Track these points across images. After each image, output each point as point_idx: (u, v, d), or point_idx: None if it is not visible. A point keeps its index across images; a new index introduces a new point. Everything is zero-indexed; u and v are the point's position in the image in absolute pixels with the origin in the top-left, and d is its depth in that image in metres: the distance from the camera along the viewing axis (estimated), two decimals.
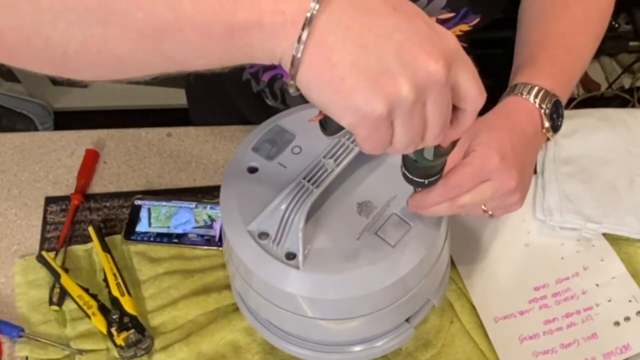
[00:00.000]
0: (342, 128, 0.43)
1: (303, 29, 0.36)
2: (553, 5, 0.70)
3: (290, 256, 0.54)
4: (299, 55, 0.37)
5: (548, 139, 0.64)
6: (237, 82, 0.88)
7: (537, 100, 0.62)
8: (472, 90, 0.41)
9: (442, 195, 0.55)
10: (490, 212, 0.60)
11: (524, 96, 0.62)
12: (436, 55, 0.38)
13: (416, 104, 0.39)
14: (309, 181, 0.55)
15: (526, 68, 0.66)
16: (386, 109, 0.38)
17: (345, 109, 0.38)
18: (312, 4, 0.36)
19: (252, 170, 0.59)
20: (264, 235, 0.55)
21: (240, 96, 0.93)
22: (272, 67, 0.82)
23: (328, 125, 0.44)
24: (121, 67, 0.41)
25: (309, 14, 0.36)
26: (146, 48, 0.38)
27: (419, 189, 0.55)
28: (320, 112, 0.43)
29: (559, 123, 0.64)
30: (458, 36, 0.77)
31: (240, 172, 0.59)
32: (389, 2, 0.38)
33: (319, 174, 0.56)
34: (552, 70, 0.65)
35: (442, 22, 0.74)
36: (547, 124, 0.62)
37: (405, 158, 0.52)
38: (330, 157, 0.56)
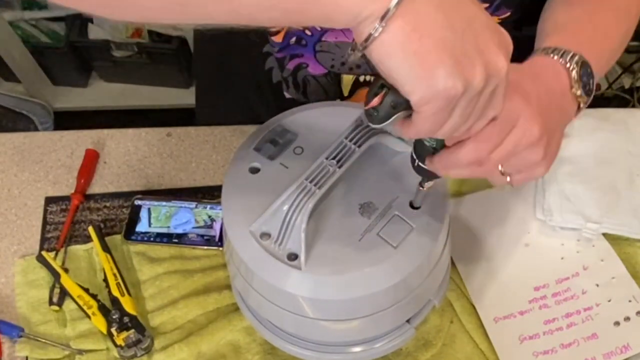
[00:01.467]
0: (391, 115, 0.43)
1: None
2: None
3: (292, 257, 0.54)
4: (386, 22, 0.37)
5: (579, 105, 0.61)
6: (257, 73, 0.88)
7: (565, 61, 0.60)
8: (501, 97, 0.44)
9: (471, 152, 0.50)
10: (509, 176, 0.54)
11: (551, 56, 0.60)
12: (503, 51, 0.41)
13: (481, 92, 0.41)
14: (311, 182, 0.55)
15: (552, 36, 0.64)
16: (462, 89, 0.39)
17: (423, 82, 0.39)
18: None
19: (254, 170, 0.59)
20: (265, 235, 0.55)
21: (256, 89, 0.92)
22: (300, 54, 0.82)
23: (379, 112, 0.43)
24: (183, 9, 0.39)
25: None
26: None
27: (428, 181, 0.55)
28: (371, 100, 0.43)
29: (590, 87, 0.61)
30: None
31: (242, 172, 0.59)
32: None
33: (321, 175, 0.56)
34: (579, 39, 0.63)
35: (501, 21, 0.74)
36: (575, 85, 0.59)
37: (421, 148, 0.52)
38: (333, 158, 0.56)
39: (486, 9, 0.72)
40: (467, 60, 0.39)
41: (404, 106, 0.42)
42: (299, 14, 0.38)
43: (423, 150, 0.52)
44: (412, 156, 0.54)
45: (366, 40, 0.38)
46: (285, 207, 0.54)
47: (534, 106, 0.52)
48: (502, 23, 0.75)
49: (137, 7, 0.39)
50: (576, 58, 0.60)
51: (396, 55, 0.38)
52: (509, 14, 0.74)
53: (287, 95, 0.88)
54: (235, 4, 0.38)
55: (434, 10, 0.38)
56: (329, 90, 0.84)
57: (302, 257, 0.53)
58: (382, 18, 0.37)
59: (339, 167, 0.56)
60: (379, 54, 0.39)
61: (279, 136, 0.61)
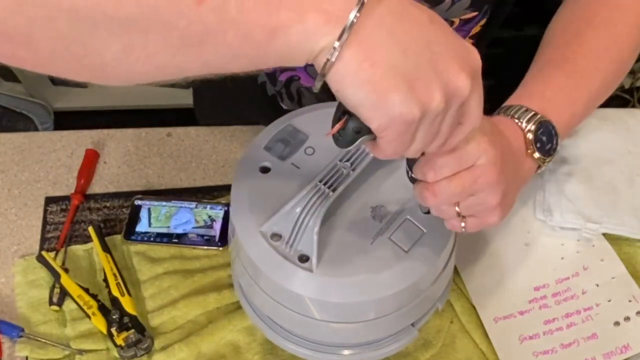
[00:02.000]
0: (355, 140, 0.44)
1: (346, 28, 0.37)
2: (565, 31, 0.69)
3: (304, 258, 0.54)
4: (338, 51, 0.37)
5: (539, 166, 0.62)
6: (250, 87, 0.88)
7: (522, 121, 0.60)
8: (476, 111, 0.43)
9: (421, 170, 0.51)
10: (463, 219, 0.54)
11: (509, 116, 0.61)
12: (466, 70, 0.40)
13: (441, 113, 0.41)
14: (325, 184, 0.55)
15: (519, 90, 0.65)
16: (419, 113, 0.39)
17: (379, 109, 0.39)
18: (356, 5, 0.37)
19: (265, 170, 0.59)
20: (276, 236, 0.55)
21: (251, 101, 0.92)
22: (290, 68, 0.82)
23: (343, 137, 0.44)
24: (158, 73, 0.40)
25: (352, 14, 0.37)
26: (186, 54, 0.38)
27: None
28: (335, 125, 0.44)
29: (551, 147, 0.62)
30: (476, 33, 0.77)
31: (252, 171, 0.59)
32: (425, 13, 0.40)
33: (335, 177, 0.55)
34: (546, 94, 0.64)
35: (466, 21, 0.74)
36: (531, 147, 0.60)
37: (410, 160, 0.53)
38: (347, 161, 0.56)
39: (475, 17, 0.72)
40: (423, 84, 0.39)
41: (367, 131, 0.43)
42: (263, 59, 0.39)
43: (411, 161, 0.53)
44: (406, 167, 0.55)
45: (323, 68, 0.38)
46: (298, 209, 0.54)
47: (497, 152, 0.52)
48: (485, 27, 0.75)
49: (118, 73, 0.40)
50: (536, 118, 0.60)
51: (351, 84, 0.39)
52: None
53: (284, 107, 0.88)
54: (203, 59, 0.39)
55: (385, 36, 0.38)
56: (324, 100, 0.84)
57: (314, 259, 0.53)
58: (335, 48, 0.37)
59: (353, 170, 0.56)
60: (335, 83, 0.39)
61: (290, 136, 0.61)
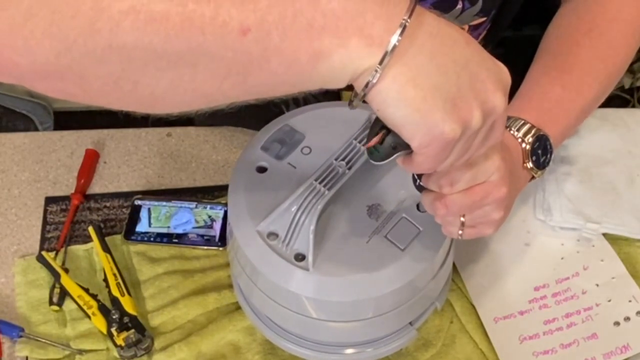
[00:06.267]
0: (391, 155, 0.45)
1: (388, 52, 0.38)
2: (562, 40, 0.69)
3: (300, 257, 0.54)
4: (380, 73, 0.38)
5: (533, 176, 0.63)
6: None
7: (519, 134, 0.62)
8: (502, 127, 0.45)
9: (437, 182, 0.52)
10: (462, 228, 0.55)
11: (507, 128, 0.62)
12: (500, 88, 0.42)
13: (479, 131, 0.42)
14: (320, 183, 0.55)
15: (516, 102, 0.66)
16: (460, 131, 0.40)
17: (421, 128, 0.40)
18: (398, 30, 0.38)
19: (261, 169, 0.59)
20: (273, 235, 0.55)
21: (255, 109, 0.92)
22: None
23: (380, 151, 0.45)
24: (204, 101, 0.41)
25: (394, 38, 0.38)
26: (232, 83, 0.39)
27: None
28: (372, 138, 0.45)
29: (545, 160, 0.63)
30: (482, 37, 0.77)
31: (249, 171, 0.59)
32: (462, 35, 0.41)
33: (330, 176, 0.55)
34: (543, 105, 0.65)
35: (475, 27, 0.74)
36: (527, 160, 0.62)
37: None
38: (342, 160, 0.56)
39: (484, 22, 0.72)
40: (464, 103, 0.40)
41: (404, 147, 0.43)
42: (306, 84, 0.40)
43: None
44: (413, 175, 0.56)
45: (364, 88, 0.39)
46: (294, 208, 0.54)
47: (507, 168, 0.54)
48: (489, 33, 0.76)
49: (170, 96, 0.41)
50: (532, 132, 0.62)
51: (393, 103, 0.39)
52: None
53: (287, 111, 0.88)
54: (248, 86, 0.40)
55: (427, 58, 0.39)
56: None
57: (310, 258, 0.53)
58: (378, 69, 0.38)
59: (349, 169, 0.56)
60: (377, 102, 0.40)
61: (287, 136, 0.61)
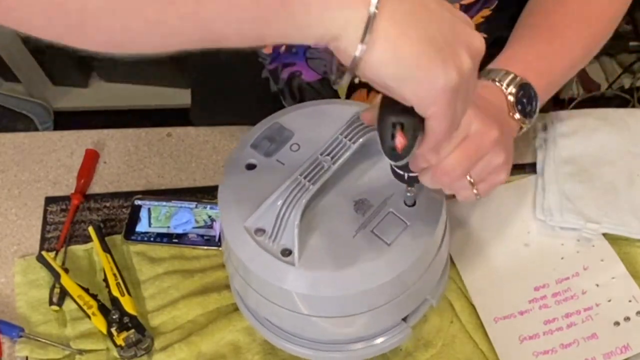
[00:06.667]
0: (414, 145, 0.44)
1: (374, 2, 0.36)
2: (546, 1, 0.70)
3: (286, 252, 0.54)
4: (371, 29, 0.36)
5: (521, 127, 0.63)
6: (254, 82, 0.88)
7: (503, 84, 0.61)
8: (477, 72, 0.45)
9: (423, 158, 0.50)
10: (475, 187, 0.54)
11: (491, 79, 0.62)
12: (474, 30, 0.43)
13: (472, 75, 0.42)
14: (305, 178, 0.55)
15: (501, 54, 0.66)
16: (458, 78, 0.40)
17: (424, 83, 0.39)
18: None
19: (250, 166, 0.59)
20: (260, 231, 0.55)
21: (255, 99, 0.92)
22: (291, 63, 0.82)
23: (408, 147, 0.44)
24: (148, 32, 0.37)
25: None
26: (182, 12, 0.35)
27: (410, 188, 0.56)
28: (397, 142, 0.43)
29: (531, 109, 0.63)
30: (479, 24, 0.77)
31: (239, 169, 0.59)
32: None
33: (315, 170, 0.56)
34: (527, 58, 0.65)
35: (467, 7, 0.74)
36: (512, 110, 0.61)
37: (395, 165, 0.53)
38: (327, 155, 0.57)
39: (475, 3, 0.73)
40: (452, 50, 0.40)
41: (419, 127, 0.43)
42: (269, 26, 0.37)
43: (399, 166, 0.52)
44: (394, 170, 0.54)
45: (357, 57, 0.37)
46: (280, 203, 0.54)
47: (483, 115, 0.53)
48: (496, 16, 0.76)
49: (114, 31, 0.37)
50: (516, 81, 0.61)
51: (391, 63, 0.38)
52: (497, 2, 0.75)
53: (286, 105, 0.88)
54: (201, 17, 0.36)
55: (409, 14, 0.38)
56: (326, 96, 0.84)
57: (296, 252, 0.53)
58: (367, 26, 0.36)
59: (334, 163, 0.56)
60: (372, 66, 0.38)
61: (276, 133, 0.61)
